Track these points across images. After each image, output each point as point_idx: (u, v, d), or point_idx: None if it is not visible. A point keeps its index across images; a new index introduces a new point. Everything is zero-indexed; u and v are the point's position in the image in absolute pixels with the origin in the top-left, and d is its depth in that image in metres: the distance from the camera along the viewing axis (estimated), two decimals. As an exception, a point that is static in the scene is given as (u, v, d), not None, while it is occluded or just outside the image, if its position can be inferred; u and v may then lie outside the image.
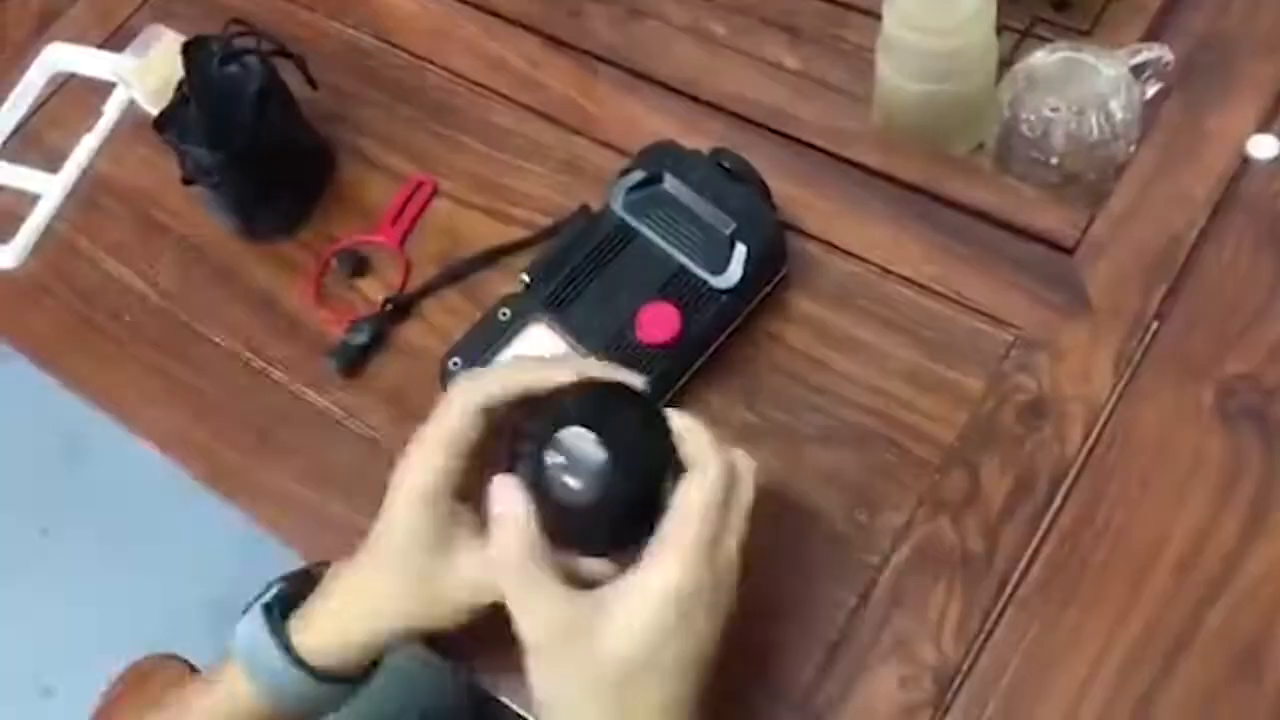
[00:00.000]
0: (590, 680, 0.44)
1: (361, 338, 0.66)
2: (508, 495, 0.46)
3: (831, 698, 0.53)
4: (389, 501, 0.50)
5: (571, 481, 0.45)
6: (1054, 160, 0.62)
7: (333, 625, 0.51)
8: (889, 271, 0.63)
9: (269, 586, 0.53)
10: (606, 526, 0.47)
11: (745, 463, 0.48)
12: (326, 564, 0.53)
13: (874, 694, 0.53)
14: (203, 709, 0.52)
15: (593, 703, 0.44)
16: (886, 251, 0.64)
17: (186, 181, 0.68)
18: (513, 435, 0.48)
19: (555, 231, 0.68)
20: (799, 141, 0.68)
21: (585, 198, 0.68)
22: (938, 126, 0.66)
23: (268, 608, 0.51)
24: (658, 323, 0.58)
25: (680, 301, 0.59)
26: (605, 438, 0.45)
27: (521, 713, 0.55)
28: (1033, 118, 0.62)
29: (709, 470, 0.45)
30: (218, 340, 0.70)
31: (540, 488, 0.46)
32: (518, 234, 0.69)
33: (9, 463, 1.57)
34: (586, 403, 0.47)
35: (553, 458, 0.45)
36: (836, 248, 0.64)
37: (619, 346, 0.59)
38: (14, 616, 1.45)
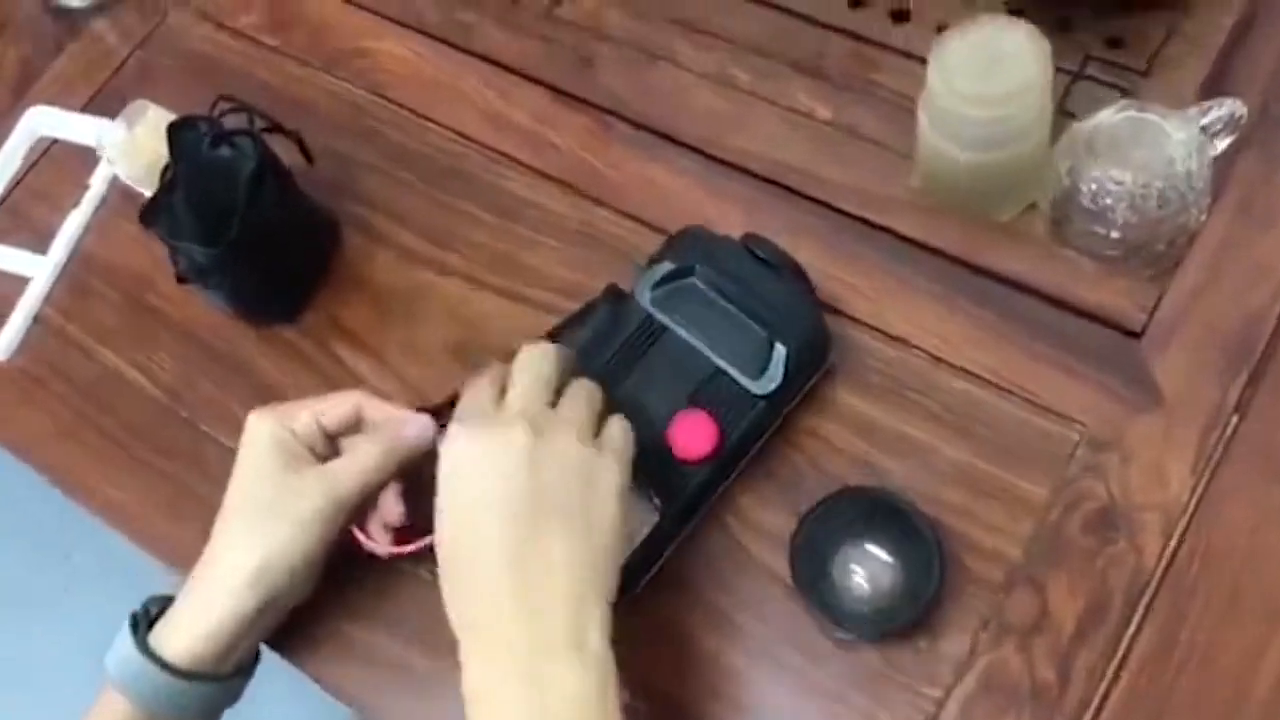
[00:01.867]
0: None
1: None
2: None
3: None
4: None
5: None
6: (1116, 234, 0.57)
7: (192, 616, 0.52)
8: (939, 359, 0.58)
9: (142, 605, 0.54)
10: None
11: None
12: None
13: (941, 846, 0.49)
14: None
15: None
16: (934, 336, 0.59)
17: (181, 280, 0.64)
18: None
19: (581, 317, 0.63)
20: (833, 209, 0.63)
21: (604, 275, 0.63)
22: (988, 191, 0.60)
23: (134, 620, 0.53)
24: (694, 436, 0.54)
25: (716, 410, 0.54)
26: None
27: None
28: (1094, 187, 0.56)
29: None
30: (224, 441, 0.66)
31: None
32: (533, 318, 0.64)
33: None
34: None
35: None
36: (880, 332, 0.60)
37: (654, 462, 0.54)
38: (39, 650, 1.44)
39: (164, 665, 0.50)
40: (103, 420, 0.68)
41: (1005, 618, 0.52)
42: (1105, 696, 0.50)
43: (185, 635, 0.51)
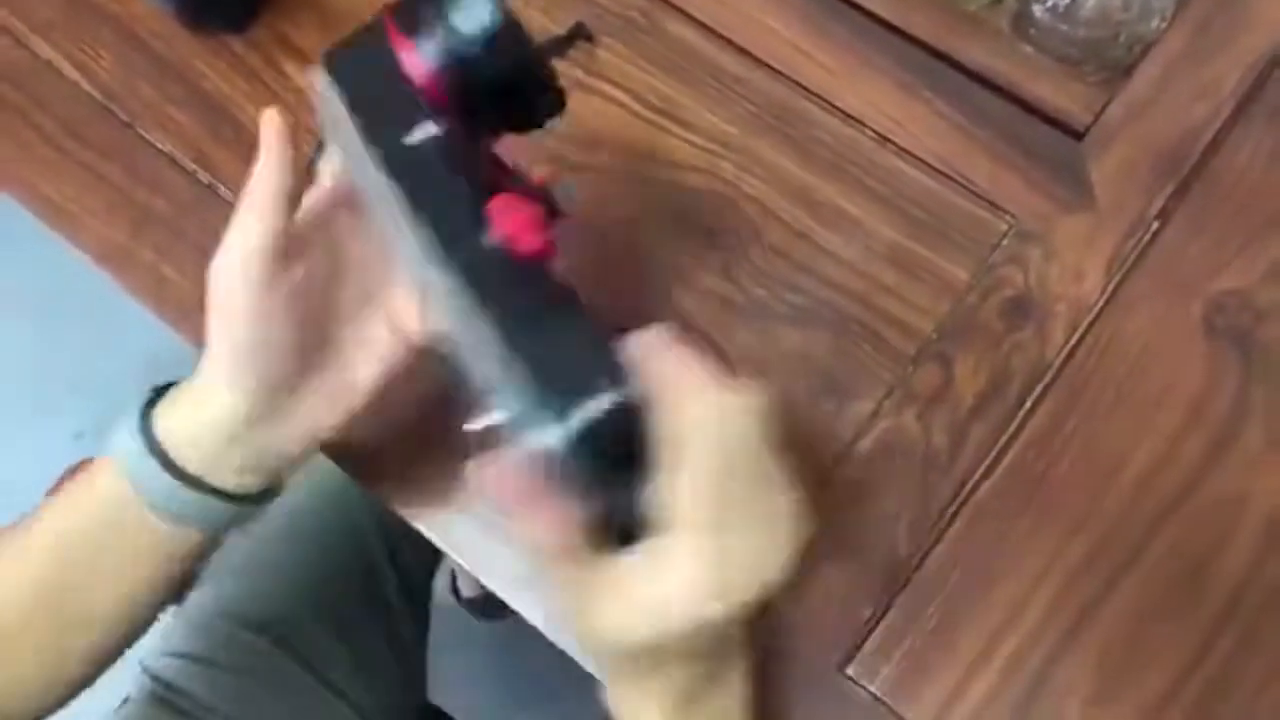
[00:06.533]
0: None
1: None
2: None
3: (778, 586, 0.53)
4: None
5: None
6: (1078, 32, 0.57)
7: (197, 409, 0.46)
8: (887, 139, 0.59)
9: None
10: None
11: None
12: None
13: (818, 588, 0.53)
14: (73, 501, 0.48)
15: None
16: (886, 117, 0.59)
17: (120, -32, 0.61)
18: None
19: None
20: (806, -22, 0.62)
21: (565, 18, 0.63)
22: (958, -24, 0.60)
23: (156, 391, 0.47)
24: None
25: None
26: None
27: (437, 542, 0.55)
28: (1063, -17, 0.56)
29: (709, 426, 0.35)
30: (161, 146, 0.64)
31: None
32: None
33: None
34: None
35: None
36: (834, 107, 0.60)
37: None
38: None
39: (164, 458, 0.45)
40: (36, 115, 0.66)
41: (911, 387, 0.55)
42: (990, 469, 0.54)
43: (177, 417, 0.46)
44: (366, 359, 0.48)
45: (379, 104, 0.40)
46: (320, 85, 0.42)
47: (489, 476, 0.35)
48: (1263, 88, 0.57)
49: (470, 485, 0.35)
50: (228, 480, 0.46)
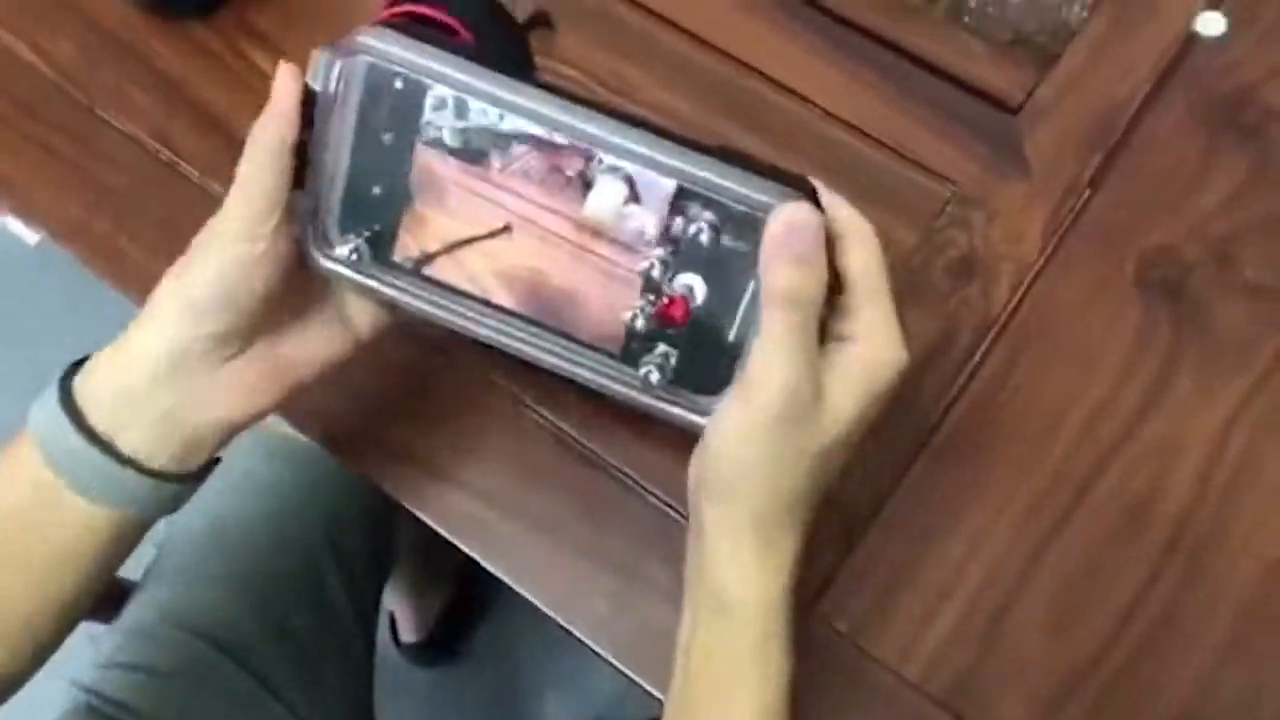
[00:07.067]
0: (795, 453, 0.41)
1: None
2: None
3: (744, 531, 0.54)
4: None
5: None
6: (1008, 16, 0.61)
7: (115, 357, 0.43)
8: (833, 117, 0.62)
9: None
10: None
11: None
12: None
13: (785, 530, 0.54)
14: None
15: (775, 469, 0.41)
16: (832, 99, 0.62)
17: (86, -54, 0.62)
18: None
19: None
20: (755, -29, 0.65)
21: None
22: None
23: (75, 365, 0.44)
24: None
25: None
26: None
27: (427, 520, 0.55)
28: (994, -29, 0.60)
29: (868, 232, 0.43)
30: (121, 127, 0.65)
31: None
32: (452, 41, 0.65)
33: None
34: None
35: None
36: (783, 88, 0.63)
37: None
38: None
39: (79, 421, 0.43)
40: (-9, 95, 0.66)
41: (865, 343, 0.57)
42: (944, 416, 0.56)
43: (96, 377, 0.44)
44: (313, 345, 0.46)
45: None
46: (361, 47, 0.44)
47: (802, 220, 0.39)
48: (1178, 69, 0.62)
49: (779, 221, 0.39)
50: (137, 445, 0.43)
